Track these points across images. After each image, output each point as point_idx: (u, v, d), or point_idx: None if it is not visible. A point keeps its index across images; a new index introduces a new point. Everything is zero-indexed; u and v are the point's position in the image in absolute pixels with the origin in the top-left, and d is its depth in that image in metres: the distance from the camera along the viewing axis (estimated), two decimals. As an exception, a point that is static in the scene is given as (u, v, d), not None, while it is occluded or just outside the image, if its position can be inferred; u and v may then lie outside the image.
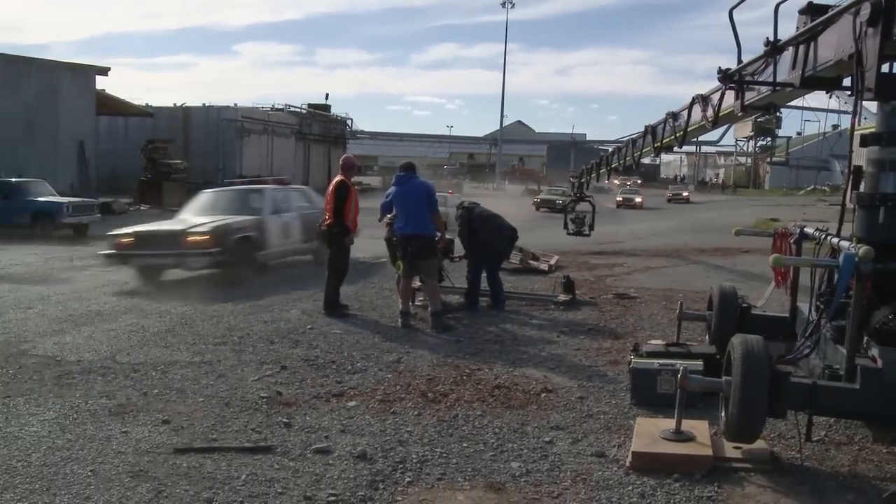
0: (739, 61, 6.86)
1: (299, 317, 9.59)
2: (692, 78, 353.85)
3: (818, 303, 5.84)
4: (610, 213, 38.93)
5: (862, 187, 5.58)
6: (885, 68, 4.99)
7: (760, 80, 6.67)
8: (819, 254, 6.05)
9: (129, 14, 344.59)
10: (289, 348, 7.97)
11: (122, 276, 12.73)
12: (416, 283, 9.92)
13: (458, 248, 11.26)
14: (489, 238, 10.55)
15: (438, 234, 9.69)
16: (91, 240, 19.98)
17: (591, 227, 17.75)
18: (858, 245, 4.98)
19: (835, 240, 5.63)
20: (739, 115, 7.83)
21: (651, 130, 12.16)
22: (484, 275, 10.63)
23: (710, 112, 8.56)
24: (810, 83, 5.97)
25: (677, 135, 10.48)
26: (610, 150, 17.75)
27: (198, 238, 12.13)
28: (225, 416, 5.78)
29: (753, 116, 7.97)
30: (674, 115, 10.65)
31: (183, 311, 9.84)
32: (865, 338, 5.20)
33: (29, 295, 11.07)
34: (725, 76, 7.07)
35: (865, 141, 5.61)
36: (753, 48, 6.50)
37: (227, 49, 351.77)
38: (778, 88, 6.56)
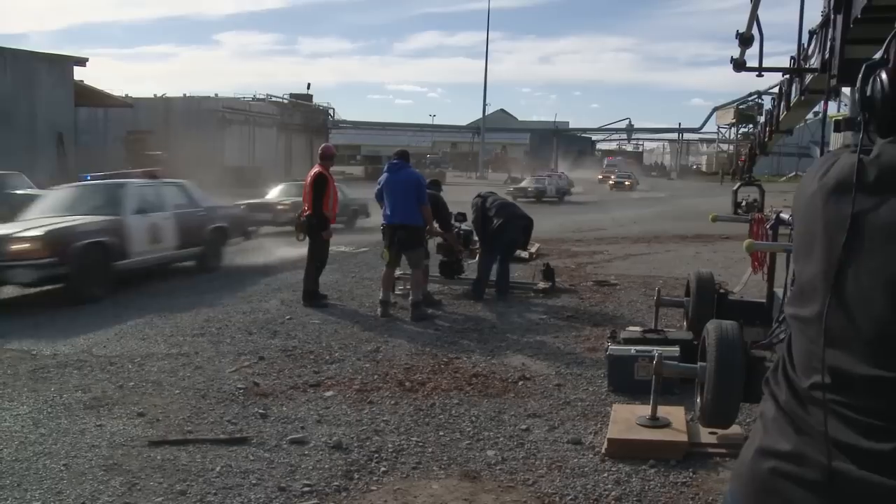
0: (760, 49, 6.80)
1: (278, 307, 9.56)
2: (675, 65, 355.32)
3: (792, 287, 5.86)
4: (594, 202, 39.04)
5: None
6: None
7: (808, 66, 6.56)
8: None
9: (108, 3, 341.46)
10: (267, 339, 7.94)
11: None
12: (398, 272, 9.89)
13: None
14: (502, 225, 10.34)
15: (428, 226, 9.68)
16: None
17: (760, 211, 17.62)
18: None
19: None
20: (802, 99, 7.67)
21: (767, 116, 11.93)
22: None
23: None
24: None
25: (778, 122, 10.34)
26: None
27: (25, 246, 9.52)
28: (201, 408, 5.75)
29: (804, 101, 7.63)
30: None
31: (161, 304, 9.77)
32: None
33: (6, 290, 10.95)
34: (737, 64, 7.02)
35: (839, 126, 5.62)
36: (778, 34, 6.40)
37: (207, 39, 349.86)
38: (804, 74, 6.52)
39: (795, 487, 1.28)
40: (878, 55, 1.42)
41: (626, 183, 56.95)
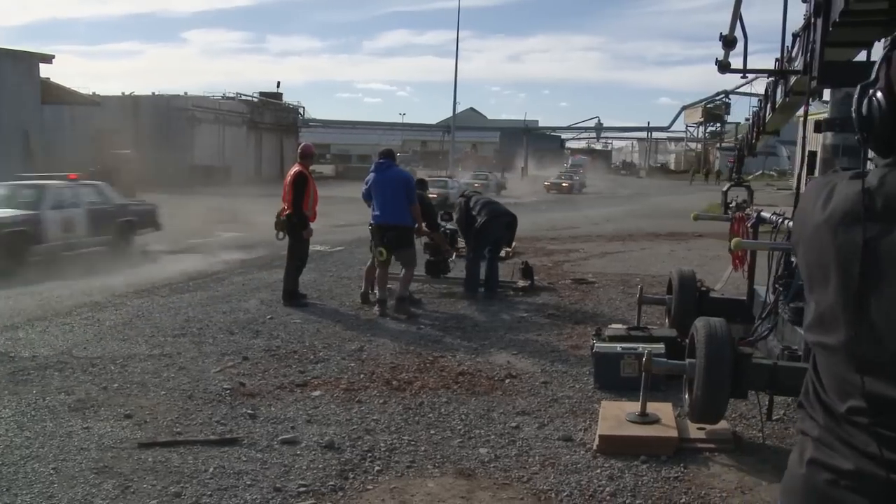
0: (745, 51, 6.86)
1: (258, 307, 9.50)
2: (643, 64, 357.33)
3: (776, 285, 5.97)
4: (564, 199, 39.31)
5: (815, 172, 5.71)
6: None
7: (793, 67, 6.60)
8: (775, 237, 6.18)
9: None
10: (249, 339, 7.89)
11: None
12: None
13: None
14: (486, 223, 10.37)
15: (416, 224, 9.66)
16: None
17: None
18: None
19: (790, 223, 5.75)
20: (787, 101, 7.74)
21: (754, 117, 11.93)
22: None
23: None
24: None
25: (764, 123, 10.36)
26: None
27: None
28: (188, 409, 5.71)
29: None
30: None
31: (139, 304, 9.68)
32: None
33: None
34: (722, 66, 7.04)
35: (819, 127, 5.73)
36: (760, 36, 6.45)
37: (175, 36, 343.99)
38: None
39: (856, 496, 1.31)
40: (857, 59, 1.45)
41: (564, 184, 49.65)
